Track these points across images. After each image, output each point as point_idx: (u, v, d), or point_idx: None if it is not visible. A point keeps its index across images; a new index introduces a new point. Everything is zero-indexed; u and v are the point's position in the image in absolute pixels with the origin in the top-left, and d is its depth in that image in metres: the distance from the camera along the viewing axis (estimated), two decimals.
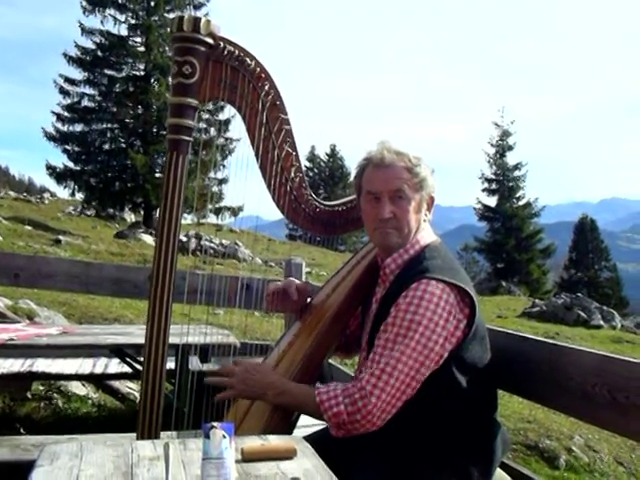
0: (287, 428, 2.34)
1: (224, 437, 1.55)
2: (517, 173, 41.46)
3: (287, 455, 1.77)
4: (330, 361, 4.71)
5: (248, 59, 2.41)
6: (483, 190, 41.74)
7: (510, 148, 41.70)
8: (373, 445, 2.17)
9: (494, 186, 41.43)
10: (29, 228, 21.45)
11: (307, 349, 2.44)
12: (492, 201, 41.54)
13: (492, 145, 41.72)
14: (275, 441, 1.88)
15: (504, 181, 41.11)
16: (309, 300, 2.73)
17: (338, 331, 2.54)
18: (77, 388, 5.52)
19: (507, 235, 40.05)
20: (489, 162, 41.73)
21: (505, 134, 41.41)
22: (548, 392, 2.41)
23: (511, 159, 41.74)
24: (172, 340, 2.46)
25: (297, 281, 2.74)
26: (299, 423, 2.42)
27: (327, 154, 59.95)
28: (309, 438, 2.04)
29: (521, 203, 41.30)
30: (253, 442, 1.84)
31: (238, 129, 2.50)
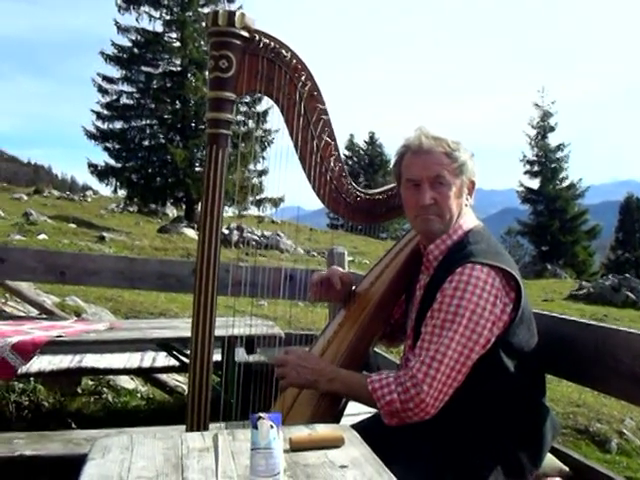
0: (335, 416, 2.34)
1: (272, 427, 1.56)
2: (559, 154, 40.95)
3: (335, 444, 1.77)
4: (376, 349, 4.71)
5: (284, 51, 2.41)
6: (525, 172, 41.32)
7: (552, 129, 41.19)
8: (421, 432, 2.16)
9: (536, 168, 40.96)
10: (73, 226, 21.77)
11: (352, 338, 2.45)
12: (535, 183, 41.11)
13: (533, 127, 41.25)
14: (322, 430, 1.88)
15: (546, 163, 40.61)
16: (353, 289, 2.73)
17: (382, 319, 2.54)
18: (126, 382, 5.60)
19: (551, 217, 39.59)
20: (530, 144, 41.27)
21: (546, 115, 40.90)
22: (597, 375, 2.39)
23: (553, 140, 41.24)
24: (218, 332, 2.47)
25: (341, 270, 2.74)
26: (346, 412, 2.43)
27: (366, 142, 59.78)
28: (356, 427, 2.04)
29: (564, 184, 40.78)
30: (300, 432, 1.85)
31: (276, 120, 2.50)
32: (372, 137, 59.51)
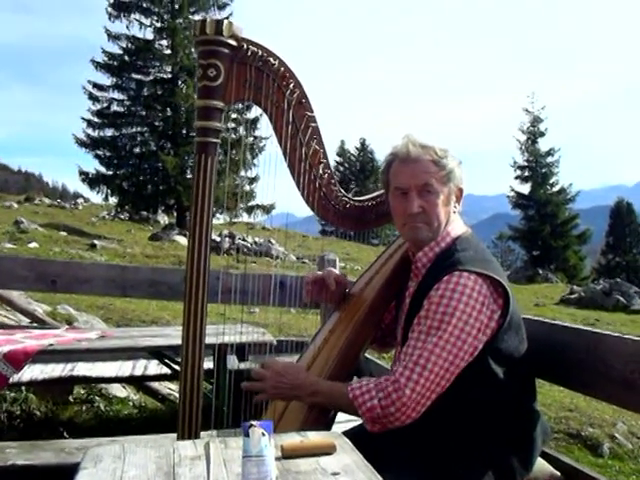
0: (326, 423, 2.34)
1: (263, 435, 1.56)
2: (550, 159, 41.08)
3: (327, 451, 1.77)
4: (367, 355, 4.71)
5: (272, 59, 2.42)
6: (516, 178, 41.45)
7: (542, 134, 41.34)
8: (410, 439, 2.16)
9: (527, 173, 41.09)
10: (64, 234, 21.73)
11: (342, 344, 2.45)
12: (525, 188, 41.23)
13: (523, 132, 41.39)
14: (314, 437, 1.88)
15: (537, 168, 40.74)
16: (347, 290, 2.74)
17: (373, 325, 2.55)
18: (118, 390, 5.59)
19: (542, 222, 39.71)
20: (521, 149, 41.41)
21: (536, 120, 41.05)
22: (588, 380, 2.40)
23: (543, 145, 41.39)
24: (209, 340, 2.48)
25: (336, 271, 2.75)
26: (338, 419, 2.43)
27: (357, 148, 59.92)
28: (348, 433, 2.04)
29: (555, 189, 40.93)
30: (292, 439, 1.85)
31: (267, 127, 2.52)
32: (363, 143, 59.66)
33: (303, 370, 2.43)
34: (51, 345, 3.72)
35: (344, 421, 2.48)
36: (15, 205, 31.23)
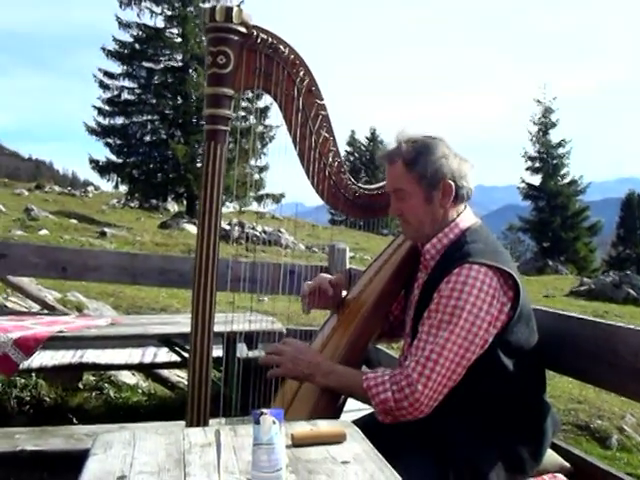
0: (334, 412, 2.34)
1: (274, 423, 1.56)
2: (561, 150, 40.87)
3: (337, 439, 1.77)
4: (377, 345, 4.71)
5: (282, 46, 2.41)
6: (527, 169, 41.25)
7: (553, 125, 41.12)
8: (421, 430, 2.16)
9: (538, 164, 40.90)
10: (75, 222, 21.80)
11: (351, 333, 2.44)
12: (536, 179, 41.04)
13: (534, 123, 41.17)
14: (324, 426, 1.88)
15: (548, 159, 40.55)
16: (347, 289, 2.73)
17: (381, 315, 2.54)
18: (127, 378, 5.61)
19: (552, 214, 39.55)
20: (532, 140, 41.20)
21: (547, 111, 40.83)
22: (597, 372, 2.39)
23: (554, 136, 41.16)
24: (218, 328, 2.48)
25: (329, 276, 2.73)
26: (347, 407, 2.43)
27: (367, 138, 59.87)
28: (358, 422, 2.04)
29: (566, 181, 40.72)
30: (302, 427, 1.85)
31: (277, 116, 2.51)
32: (373, 133, 59.60)
33: (320, 353, 2.44)
34: (61, 332, 3.73)
35: (354, 409, 2.48)
36: (25, 192, 31.32)
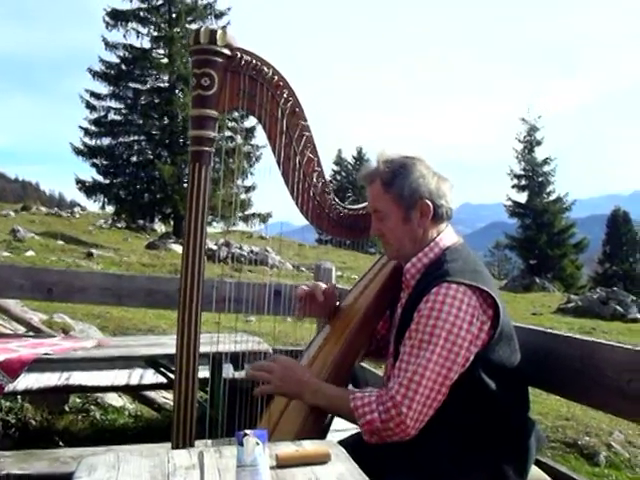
0: (321, 432, 2.34)
1: (257, 444, 1.56)
2: (546, 168, 41.13)
3: (321, 460, 1.77)
4: (363, 364, 4.70)
5: (265, 68, 2.42)
6: (513, 187, 41.48)
7: (538, 143, 41.41)
8: (404, 450, 2.16)
9: (524, 182, 41.13)
10: (61, 243, 21.73)
11: (337, 353, 2.44)
12: (522, 197, 41.26)
13: (520, 141, 41.46)
14: (309, 446, 1.88)
15: (533, 177, 40.80)
16: (338, 303, 2.73)
17: (367, 334, 2.54)
18: (113, 400, 5.58)
19: (539, 231, 39.72)
20: (517, 158, 41.45)
21: (532, 129, 41.12)
22: (583, 389, 2.39)
23: (540, 154, 41.45)
24: (204, 349, 2.47)
25: (323, 284, 2.74)
26: (333, 427, 2.43)
27: (354, 157, 60.03)
28: (343, 442, 2.04)
29: (552, 198, 40.96)
30: (287, 448, 1.85)
31: (264, 135, 2.52)
32: (360, 152, 59.76)
33: (309, 371, 2.43)
34: (47, 354, 3.71)
35: (340, 430, 2.48)
36: (12, 214, 31.21)
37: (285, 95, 2.46)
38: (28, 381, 4.62)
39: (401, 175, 2.31)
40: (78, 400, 5.43)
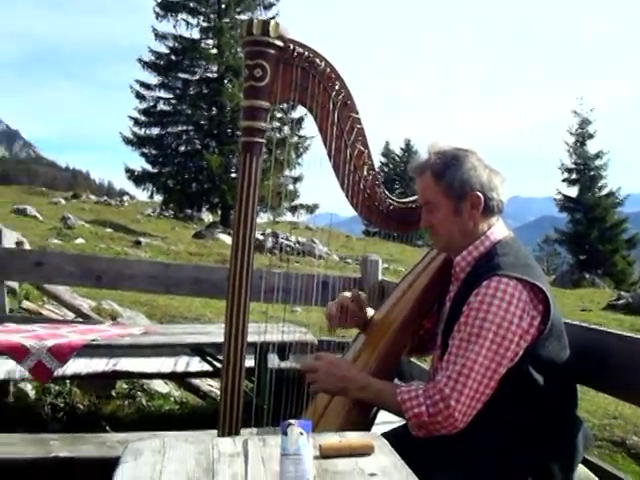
0: (365, 425, 2.34)
1: (301, 434, 1.57)
2: (598, 162, 40.33)
3: (365, 451, 1.77)
4: (410, 359, 4.69)
5: (318, 60, 2.42)
6: (563, 180, 40.79)
7: (590, 136, 40.63)
8: (450, 444, 2.15)
9: (575, 176, 40.42)
10: (110, 230, 21.99)
11: (383, 347, 2.44)
12: (573, 191, 40.54)
13: (571, 134, 40.73)
14: (353, 438, 1.88)
15: (585, 171, 40.07)
16: (374, 304, 2.72)
17: (414, 328, 2.54)
18: (159, 386, 5.65)
19: (589, 226, 39.03)
20: (569, 151, 40.76)
21: (584, 122, 40.40)
22: (632, 388, 2.35)
23: (592, 147, 40.68)
24: (251, 338, 2.49)
25: (348, 294, 2.72)
26: (378, 420, 2.43)
27: (402, 149, 59.75)
28: (387, 435, 2.04)
29: (603, 193, 40.19)
30: (331, 439, 1.85)
31: (312, 127, 2.52)
32: (408, 144, 59.44)
33: (354, 365, 2.43)
34: (95, 340, 3.77)
35: (384, 422, 2.48)
36: (62, 201, 31.70)
37: (337, 87, 2.46)
38: (77, 366, 4.70)
39: (452, 167, 2.29)
40: (125, 386, 5.50)
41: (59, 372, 3.92)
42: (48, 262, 5.33)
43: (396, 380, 2.48)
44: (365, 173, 2.55)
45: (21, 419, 4.61)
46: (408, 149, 58.82)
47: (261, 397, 3.59)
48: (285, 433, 1.57)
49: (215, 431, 2.46)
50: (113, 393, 5.36)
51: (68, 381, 5.08)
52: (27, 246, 8.58)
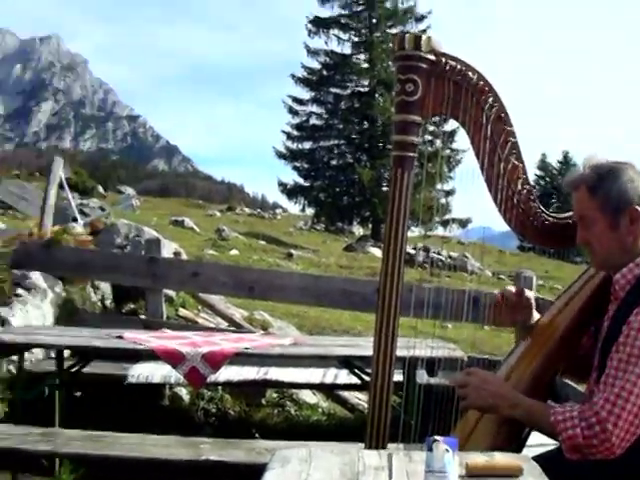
0: (515, 446, 2.28)
1: (447, 451, 1.55)
2: None
3: (512, 473, 1.72)
4: (565, 380, 4.53)
5: (470, 73, 2.39)
6: None
7: None
8: (606, 470, 2.05)
9: None
10: (263, 243, 22.54)
11: (536, 366, 2.37)
12: None
13: None
14: (500, 458, 1.84)
15: None
16: (537, 318, 2.63)
17: (569, 348, 2.44)
18: (308, 396, 5.72)
19: None
20: None
21: None
22: None
23: None
24: (399, 353, 2.48)
25: (512, 288, 2.65)
26: (531, 442, 2.36)
27: (559, 161, 57.95)
28: (538, 458, 1.97)
29: None
30: (477, 458, 1.81)
31: (464, 139, 2.50)
32: (566, 156, 57.59)
33: (505, 382, 2.38)
34: (247, 349, 3.88)
35: (536, 444, 2.40)
36: (218, 214, 32.76)
37: (490, 101, 2.41)
38: (229, 373, 4.84)
39: (608, 179, 2.20)
40: (275, 395, 5.61)
41: (212, 378, 4.06)
42: (204, 272, 5.54)
43: (550, 402, 2.40)
44: (519, 187, 2.48)
45: (175, 421, 4.79)
46: (566, 162, 56.94)
47: (408, 412, 3.56)
48: (430, 449, 1.56)
49: (361, 444, 2.46)
50: (263, 401, 5.49)
51: (220, 387, 5.24)
52: (184, 256, 8.90)
